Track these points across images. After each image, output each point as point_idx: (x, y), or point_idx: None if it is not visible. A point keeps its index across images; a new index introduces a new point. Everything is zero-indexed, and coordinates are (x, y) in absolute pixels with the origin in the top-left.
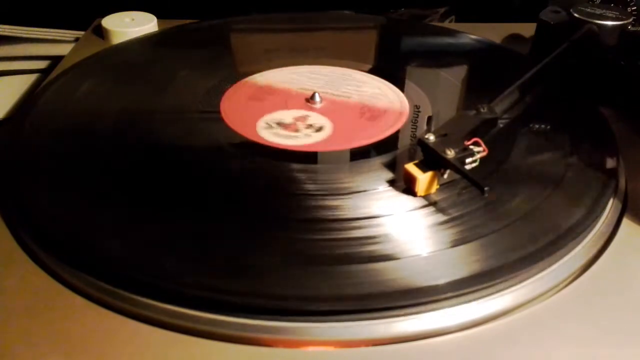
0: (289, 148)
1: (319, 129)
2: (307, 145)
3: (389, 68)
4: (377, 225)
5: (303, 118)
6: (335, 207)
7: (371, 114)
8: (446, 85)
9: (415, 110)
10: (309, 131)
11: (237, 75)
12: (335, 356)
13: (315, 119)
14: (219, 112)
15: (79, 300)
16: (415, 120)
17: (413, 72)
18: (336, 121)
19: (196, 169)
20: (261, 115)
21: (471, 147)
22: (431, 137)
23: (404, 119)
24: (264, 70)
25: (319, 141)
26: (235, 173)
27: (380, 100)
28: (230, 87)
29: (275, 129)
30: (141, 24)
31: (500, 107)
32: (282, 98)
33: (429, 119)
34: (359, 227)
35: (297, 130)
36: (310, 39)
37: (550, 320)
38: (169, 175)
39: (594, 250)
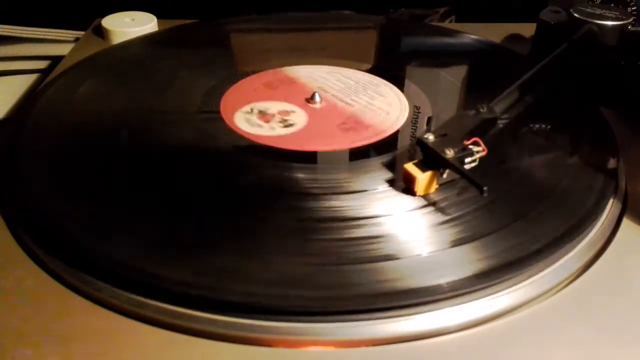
0: (251, 138)
1: (288, 126)
2: (264, 138)
3: (389, 68)
4: (377, 225)
5: (286, 112)
6: (335, 207)
7: (352, 125)
8: (446, 85)
9: (415, 110)
10: (277, 125)
11: (237, 75)
12: (335, 356)
13: (295, 117)
14: (219, 112)
15: (79, 300)
16: (415, 120)
17: (413, 72)
18: (313, 123)
19: (196, 169)
20: (250, 101)
21: (470, 146)
22: (430, 137)
23: (403, 119)
24: (299, 64)
25: (277, 135)
26: (234, 173)
27: (375, 116)
28: (248, 76)
29: (252, 115)
30: (141, 24)
31: (500, 107)
32: (289, 92)
33: (429, 119)
34: (359, 227)
35: (267, 122)
36: (310, 39)
37: (550, 320)
38: (169, 176)
39: (594, 250)
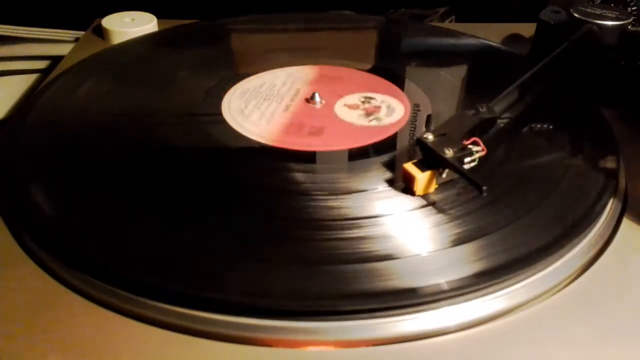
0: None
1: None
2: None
3: (389, 68)
4: (377, 225)
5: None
6: (335, 207)
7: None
8: (446, 85)
9: (415, 110)
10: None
11: (237, 75)
12: (335, 356)
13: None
14: (219, 112)
15: (79, 300)
16: (415, 120)
17: (413, 72)
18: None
19: (196, 169)
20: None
21: (470, 146)
22: (430, 137)
23: (403, 119)
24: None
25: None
26: (234, 173)
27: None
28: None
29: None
30: (141, 24)
31: (500, 107)
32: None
33: (429, 118)
34: (359, 227)
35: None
36: (310, 39)
37: (550, 320)
38: (169, 176)
39: (594, 250)
